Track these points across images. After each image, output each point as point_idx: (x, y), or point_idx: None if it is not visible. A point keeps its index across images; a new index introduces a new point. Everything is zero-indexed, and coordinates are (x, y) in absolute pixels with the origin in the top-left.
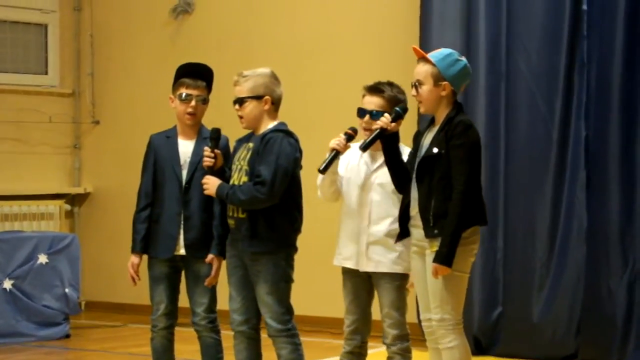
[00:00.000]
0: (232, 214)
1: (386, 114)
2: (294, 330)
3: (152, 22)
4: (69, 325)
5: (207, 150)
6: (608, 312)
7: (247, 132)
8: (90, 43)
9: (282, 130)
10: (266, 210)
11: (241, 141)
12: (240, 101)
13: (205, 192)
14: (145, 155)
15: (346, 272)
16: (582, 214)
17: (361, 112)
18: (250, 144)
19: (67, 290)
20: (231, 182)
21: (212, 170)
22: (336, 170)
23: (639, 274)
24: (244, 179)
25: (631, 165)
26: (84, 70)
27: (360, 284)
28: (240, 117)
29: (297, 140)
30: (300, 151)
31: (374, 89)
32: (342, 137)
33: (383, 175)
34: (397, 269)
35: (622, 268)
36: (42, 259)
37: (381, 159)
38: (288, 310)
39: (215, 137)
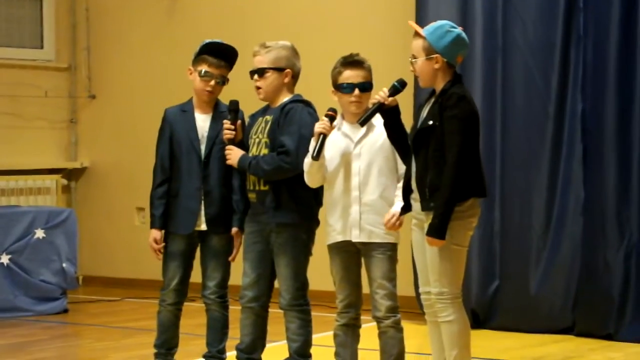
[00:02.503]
0: (253, 188)
1: (384, 89)
2: (306, 306)
3: None
4: (67, 300)
5: (226, 123)
6: (605, 285)
7: (255, 109)
8: (85, 17)
9: (301, 101)
10: (289, 182)
11: (255, 116)
12: (260, 71)
13: (228, 162)
14: (160, 130)
15: (334, 248)
16: (578, 188)
17: (348, 87)
18: (268, 117)
19: (64, 265)
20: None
21: (233, 143)
22: (323, 154)
23: (636, 247)
24: (264, 151)
25: (628, 138)
26: (79, 45)
27: (350, 258)
28: (258, 88)
29: (315, 111)
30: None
31: (355, 63)
32: (326, 119)
33: (368, 145)
34: (390, 239)
35: (618, 241)
36: (39, 233)
37: (363, 129)
38: (303, 285)
39: (234, 109)
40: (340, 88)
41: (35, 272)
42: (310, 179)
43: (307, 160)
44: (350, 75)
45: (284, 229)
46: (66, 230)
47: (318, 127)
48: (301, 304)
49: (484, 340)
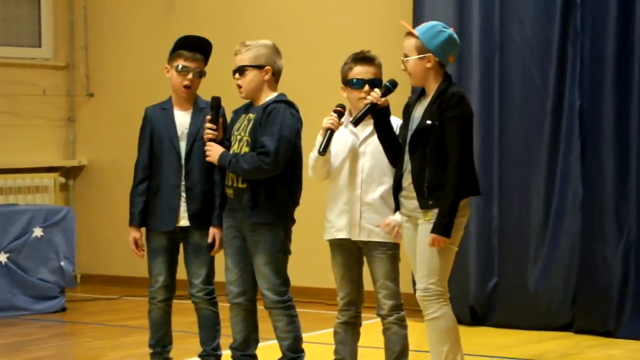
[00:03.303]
0: (231, 184)
1: (376, 89)
2: (290, 302)
3: None
4: (65, 299)
5: (208, 121)
6: (603, 282)
7: (243, 102)
8: (83, 15)
9: (284, 101)
10: (267, 182)
11: (238, 112)
12: (240, 70)
13: (208, 158)
14: (141, 129)
15: (336, 245)
16: (577, 184)
17: (358, 83)
18: (251, 115)
19: (62, 263)
20: (231, 152)
21: (214, 141)
22: (330, 149)
23: (634, 243)
24: (245, 149)
25: (625, 134)
26: (77, 43)
27: (351, 256)
28: (239, 87)
29: (298, 111)
30: (301, 122)
31: (366, 59)
32: (334, 115)
33: (373, 144)
34: (390, 238)
35: (617, 237)
36: (37, 232)
37: (370, 128)
38: (285, 281)
39: (216, 106)
40: (350, 84)
41: (34, 270)
42: (315, 174)
43: (313, 154)
44: (360, 71)
45: (260, 228)
46: (64, 229)
47: (326, 122)
48: (285, 301)
49: (483, 338)
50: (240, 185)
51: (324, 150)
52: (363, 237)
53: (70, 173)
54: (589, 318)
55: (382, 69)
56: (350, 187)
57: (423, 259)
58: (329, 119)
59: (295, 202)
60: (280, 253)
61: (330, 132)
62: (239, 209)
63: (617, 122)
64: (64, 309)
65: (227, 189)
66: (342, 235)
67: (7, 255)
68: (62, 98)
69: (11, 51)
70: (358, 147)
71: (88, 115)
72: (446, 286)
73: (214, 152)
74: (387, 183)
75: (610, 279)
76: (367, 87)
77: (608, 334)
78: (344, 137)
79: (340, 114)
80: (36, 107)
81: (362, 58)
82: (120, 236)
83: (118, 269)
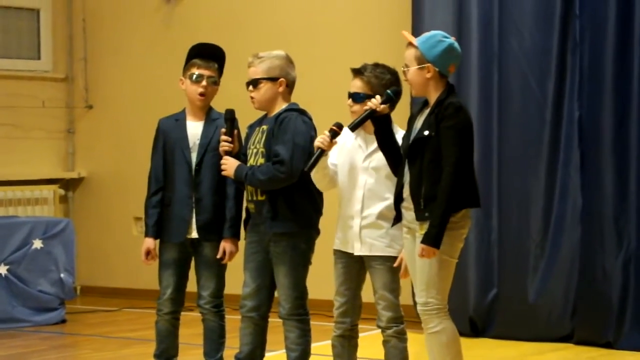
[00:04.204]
0: (251, 198)
1: (377, 96)
2: (305, 316)
3: (145, 6)
4: (65, 310)
5: (223, 133)
6: (603, 293)
7: (252, 118)
8: (82, 27)
9: (296, 109)
10: (286, 191)
11: (253, 126)
12: (254, 82)
13: (223, 173)
14: (154, 140)
15: (338, 253)
16: (576, 195)
17: (348, 95)
18: (264, 127)
19: (62, 275)
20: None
21: (230, 154)
22: (326, 165)
23: (634, 254)
24: (261, 161)
25: (625, 144)
26: (76, 55)
27: (352, 265)
28: (252, 99)
29: (310, 119)
30: (315, 129)
31: (355, 71)
32: (327, 134)
33: (377, 159)
34: (391, 252)
35: (617, 248)
36: (37, 244)
37: (376, 142)
38: (302, 294)
39: (230, 118)
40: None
41: (33, 282)
42: (318, 185)
43: None
44: (351, 84)
45: (282, 239)
46: (64, 241)
47: (317, 141)
48: (300, 314)
49: (482, 349)
50: (259, 198)
51: (310, 168)
52: (364, 252)
53: (69, 185)
54: (589, 329)
55: (373, 84)
56: (352, 201)
57: (422, 272)
58: (319, 138)
59: (318, 211)
60: (300, 265)
61: (320, 152)
62: (260, 222)
63: (617, 133)
64: (63, 321)
65: (248, 203)
66: (345, 248)
67: (7, 267)
68: (61, 110)
69: (11, 63)
70: (362, 162)
71: (87, 127)
72: (446, 300)
73: (229, 165)
74: (389, 199)
75: (610, 290)
76: (349, 101)
77: (608, 345)
78: (351, 150)
79: (334, 133)
80: (35, 119)
81: (353, 70)
82: (119, 248)
83: (118, 280)
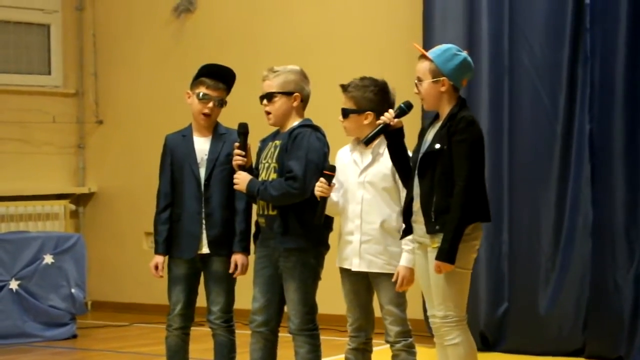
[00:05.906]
0: (262, 212)
1: (390, 110)
2: (315, 331)
3: (155, 21)
4: (76, 326)
5: (236, 148)
6: (615, 307)
7: (262, 132)
8: (93, 43)
9: (310, 126)
10: (297, 207)
11: (265, 141)
12: (269, 96)
13: (236, 187)
14: (162, 156)
15: (344, 271)
16: (587, 208)
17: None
18: (277, 142)
19: (73, 290)
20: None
21: (243, 169)
22: (332, 203)
23: None
24: (273, 176)
25: (636, 158)
26: (87, 70)
27: (358, 282)
28: (268, 113)
29: (324, 135)
30: (328, 146)
31: (341, 87)
32: (323, 181)
33: (372, 174)
34: (389, 269)
35: (628, 262)
36: (48, 259)
37: (369, 157)
38: (312, 309)
39: (243, 132)
40: None
41: (44, 297)
42: (330, 214)
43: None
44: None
45: (292, 254)
46: (75, 256)
47: (316, 190)
48: (310, 329)
49: None
50: (270, 213)
51: (319, 219)
52: (363, 268)
53: (80, 200)
54: (600, 343)
55: (358, 98)
56: (351, 217)
57: (437, 286)
58: (318, 187)
59: (329, 227)
60: (310, 280)
61: (322, 200)
62: (271, 237)
63: (627, 146)
64: (74, 336)
65: (259, 218)
66: (346, 265)
67: (18, 282)
68: (71, 125)
69: (21, 79)
70: (358, 177)
71: (98, 142)
72: (465, 311)
73: (241, 180)
74: (388, 212)
75: (621, 304)
76: (341, 117)
77: (620, 359)
78: (347, 167)
79: (329, 178)
80: (46, 135)
81: (340, 86)
82: (130, 263)
83: (129, 295)
